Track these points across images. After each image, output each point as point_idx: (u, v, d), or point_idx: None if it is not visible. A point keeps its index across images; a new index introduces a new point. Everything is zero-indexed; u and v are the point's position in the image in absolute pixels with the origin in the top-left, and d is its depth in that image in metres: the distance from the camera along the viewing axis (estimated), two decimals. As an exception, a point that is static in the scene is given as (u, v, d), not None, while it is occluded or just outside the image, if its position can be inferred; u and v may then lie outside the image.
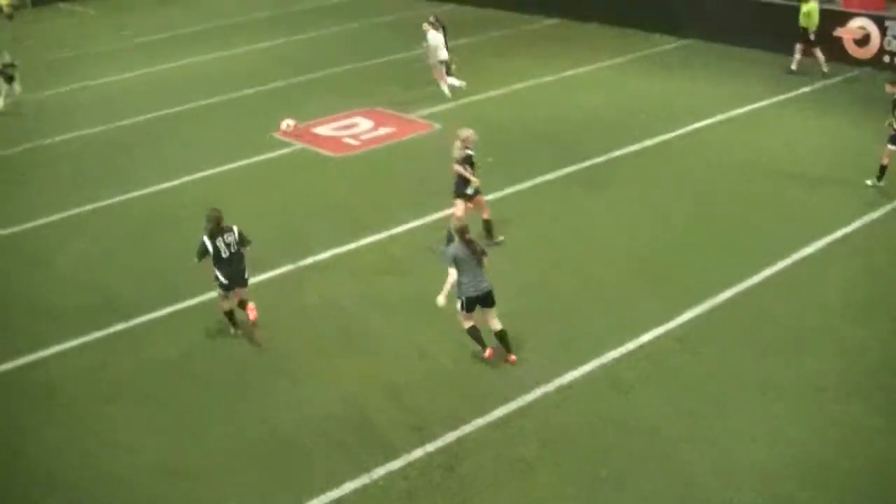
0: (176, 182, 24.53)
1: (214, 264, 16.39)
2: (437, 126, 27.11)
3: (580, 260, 18.57)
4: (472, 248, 14.98)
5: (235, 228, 16.66)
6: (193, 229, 20.56)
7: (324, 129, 27.63)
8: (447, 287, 14.94)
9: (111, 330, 17.37)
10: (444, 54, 29.35)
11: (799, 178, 21.75)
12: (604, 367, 14.87)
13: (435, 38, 29.10)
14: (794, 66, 29.69)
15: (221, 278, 16.41)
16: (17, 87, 32.28)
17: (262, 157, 25.76)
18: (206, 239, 16.39)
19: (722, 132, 25.30)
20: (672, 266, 18.00)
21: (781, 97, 27.53)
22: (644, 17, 35.17)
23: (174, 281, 18.73)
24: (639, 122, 26.16)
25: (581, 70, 31.72)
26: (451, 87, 29.50)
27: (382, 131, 27.24)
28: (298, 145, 26.47)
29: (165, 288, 18.59)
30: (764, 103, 27.23)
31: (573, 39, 36.11)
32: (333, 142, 26.62)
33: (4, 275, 20.22)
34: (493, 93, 29.84)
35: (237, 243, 16.52)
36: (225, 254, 16.35)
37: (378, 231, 20.32)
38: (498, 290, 15.12)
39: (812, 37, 29.41)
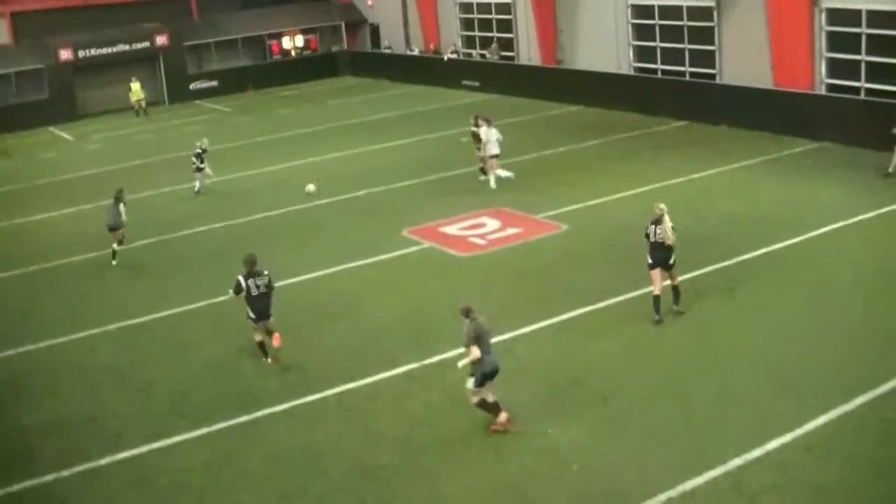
0: (311, 275, 25.08)
1: (246, 300, 19.82)
2: (564, 227, 27.24)
3: (706, 361, 18.41)
4: (485, 326, 16.35)
5: (266, 273, 20.07)
6: (328, 326, 21.08)
7: (451, 229, 27.96)
8: (466, 361, 16.10)
9: (235, 421, 17.65)
10: (494, 149, 31.42)
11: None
12: (728, 474, 14.66)
13: (488, 133, 31.32)
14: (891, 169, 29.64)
15: (250, 312, 19.87)
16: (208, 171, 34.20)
17: (392, 254, 26.15)
18: (241, 278, 19.89)
19: (853, 236, 24.96)
20: (802, 371, 17.74)
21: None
22: (776, 119, 35.07)
23: (308, 373, 19.05)
24: (768, 223, 26.02)
25: (709, 172, 31.67)
26: (499, 178, 31.33)
27: (510, 231, 27.46)
28: (427, 244, 26.81)
29: (296, 381, 18.88)
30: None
31: (701, 142, 36.17)
32: (461, 241, 26.90)
33: (146, 360, 20.74)
34: (620, 195, 29.90)
35: (266, 286, 19.91)
36: (255, 292, 19.79)
37: (504, 331, 20.36)
38: (623, 387, 15.06)
39: None
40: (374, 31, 65.50)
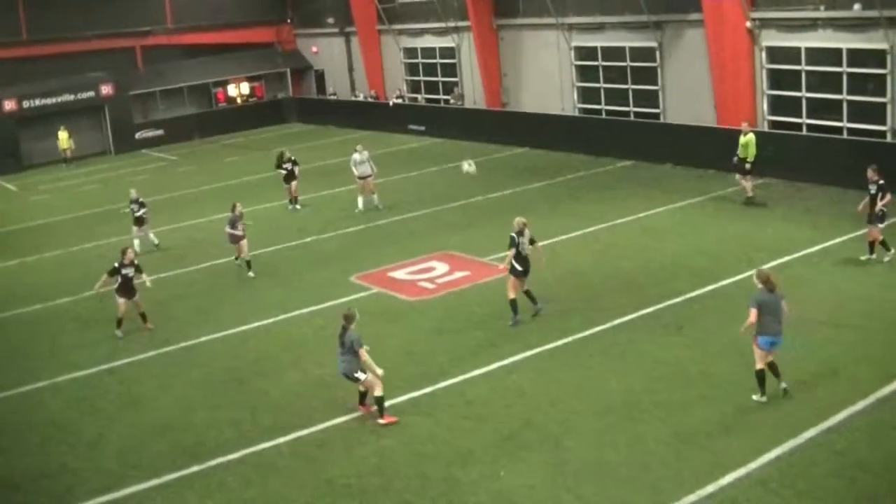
0: (260, 323, 25.00)
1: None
2: (513, 269, 27.28)
3: (657, 400, 18.45)
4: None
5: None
6: (278, 375, 21.00)
7: (400, 274, 27.96)
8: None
9: (187, 471, 17.51)
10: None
11: (877, 318, 21.59)
12: (683, 511, 14.70)
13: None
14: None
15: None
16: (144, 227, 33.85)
17: (341, 300, 25.91)
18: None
19: (799, 271, 25.19)
20: (752, 406, 17.81)
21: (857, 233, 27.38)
22: (720, 157, 35.42)
23: (260, 421, 18.98)
24: (715, 259, 26.21)
25: (656, 211, 31.94)
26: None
27: (458, 275, 27.49)
28: (375, 289, 26.78)
29: (248, 430, 18.80)
30: (838, 240, 27.22)
31: (647, 181, 36.49)
32: (410, 286, 26.88)
33: (96, 414, 20.49)
34: (567, 235, 30.03)
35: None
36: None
37: (455, 374, 20.36)
38: (575, 428, 15.03)
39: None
40: (320, 77, 65.69)
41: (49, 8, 57.08)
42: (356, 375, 18.56)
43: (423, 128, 52.17)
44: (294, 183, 37.68)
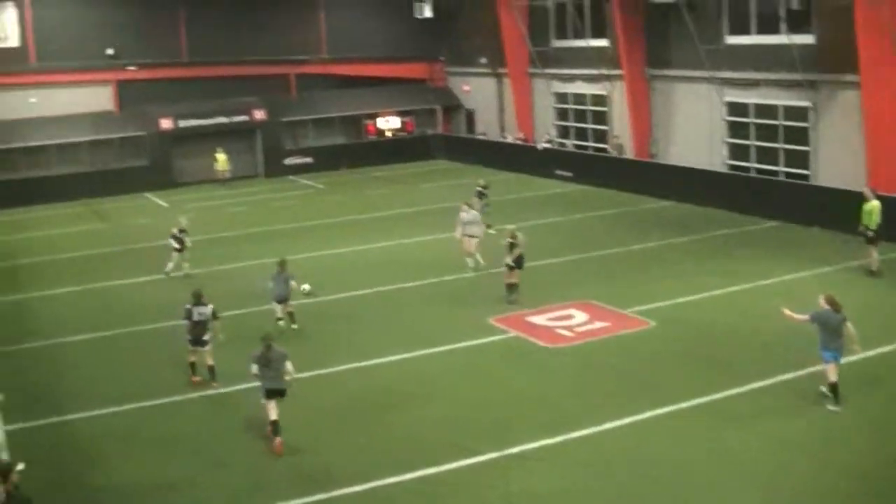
0: (392, 358, 25.11)
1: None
2: (652, 323, 27.06)
3: (794, 481, 18.07)
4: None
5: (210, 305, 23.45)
6: (405, 410, 21.14)
7: (538, 319, 27.87)
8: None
9: (311, 498, 17.68)
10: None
11: None
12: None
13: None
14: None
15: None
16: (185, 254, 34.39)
17: (476, 341, 26.11)
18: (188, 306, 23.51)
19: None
20: None
21: None
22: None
23: (386, 455, 19.11)
24: (860, 328, 25.62)
25: (800, 275, 31.23)
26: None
27: (597, 325, 27.29)
28: (512, 333, 26.75)
29: (375, 462, 18.91)
30: None
31: (793, 243, 35.80)
32: (547, 332, 26.78)
33: (225, 433, 20.87)
34: (709, 293, 29.65)
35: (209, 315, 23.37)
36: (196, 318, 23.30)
37: (587, 426, 20.23)
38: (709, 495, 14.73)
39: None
40: (470, 116, 66.04)
41: (209, 32, 58.70)
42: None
43: (570, 174, 52.08)
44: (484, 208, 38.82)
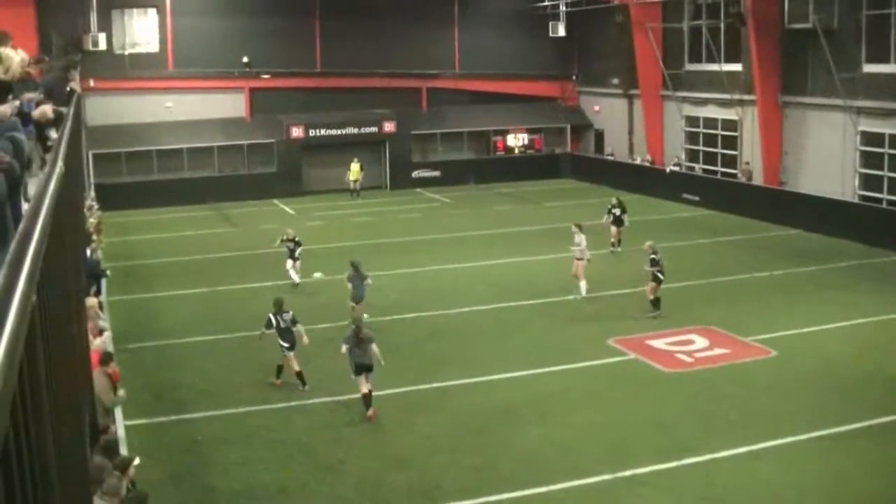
0: (509, 375, 25.15)
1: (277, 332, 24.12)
2: (773, 352, 26.68)
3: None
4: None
5: (290, 312, 24.37)
6: (521, 427, 21.15)
7: (658, 343, 27.67)
8: None
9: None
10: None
11: None
12: None
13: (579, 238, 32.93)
14: None
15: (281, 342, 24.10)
16: (297, 264, 34.69)
17: (595, 362, 26.07)
18: (270, 315, 24.21)
19: None
20: None
21: None
22: None
23: (497, 473, 19.09)
24: None
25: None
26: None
27: (717, 351, 27.02)
28: (632, 355, 26.61)
29: (485, 479, 18.91)
30: None
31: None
32: (667, 356, 26.59)
33: (339, 440, 21.07)
34: (834, 325, 29.14)
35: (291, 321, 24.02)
36: (283, 325, 24.05)
37: (703, 453, 20.02)
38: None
39: None
40: (599, 136, 65.79)
41: (343, 43, 59.27)
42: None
43: (697, 198, 51.63)
44: (618, 228, 40.21)
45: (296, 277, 34.49)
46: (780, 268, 36.78)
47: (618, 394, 23.87)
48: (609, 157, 62.97)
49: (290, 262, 34.56)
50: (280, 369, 24.37)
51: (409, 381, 24.39)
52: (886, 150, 43.10)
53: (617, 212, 40.48)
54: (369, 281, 29.19)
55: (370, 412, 21.97)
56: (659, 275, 29.87)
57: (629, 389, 24.09)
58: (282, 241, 34.97)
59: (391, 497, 18.31)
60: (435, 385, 24.30)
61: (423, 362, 26.08)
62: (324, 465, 19.80)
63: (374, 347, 22.40)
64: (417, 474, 19.32)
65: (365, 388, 22.13)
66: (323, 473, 19.44)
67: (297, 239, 34.72)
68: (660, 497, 18.19)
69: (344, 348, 22.45)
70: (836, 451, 20.29)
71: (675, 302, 31.47)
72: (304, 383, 24.00)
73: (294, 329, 24.02)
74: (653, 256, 29.76)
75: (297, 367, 24.05)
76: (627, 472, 19.04)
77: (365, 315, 27.61)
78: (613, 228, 40.53)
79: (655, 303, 29.92)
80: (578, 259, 32.75)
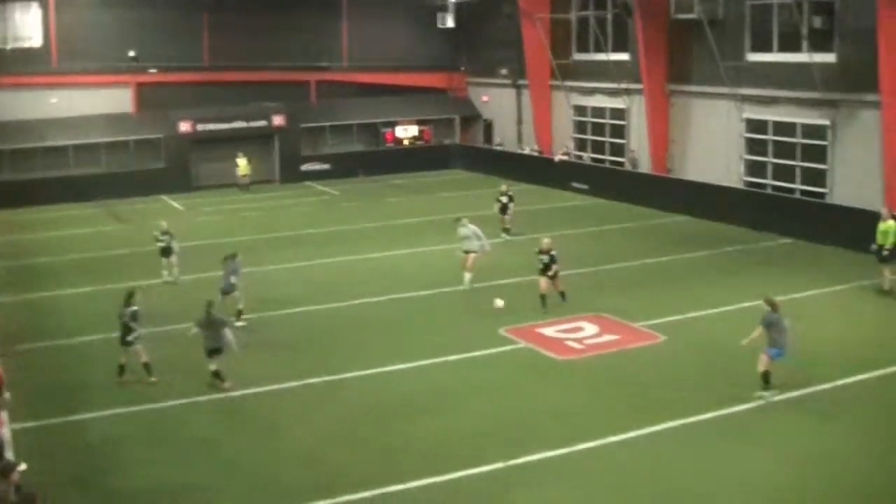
0: (403, 366, 25.15)
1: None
2: (663, 337, 27.08)
3: (801, 495, 18.06)
4: None
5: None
6: (417, 419, 21.16)
7: (549, 331, 27.90)
8: None
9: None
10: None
11: None
12: None
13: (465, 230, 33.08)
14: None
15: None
16: (173, 259, 34.45)
17: (487, 352, 26.19)
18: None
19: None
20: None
21: None
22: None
23: (394, 464, 19.15)
24: (869, 348, 25.62)
25: (813, 293, 31.24)
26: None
27: (607, 338, 27.32)
28: (523, 344, 26.79)
29: (383, 470, 18.95)
30: None
31: (807, 261, 35.87)
32: (558, 344, 26.81)
33: (236, 437, 20.96)
34: (721, 309, 29.66)
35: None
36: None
37: (597, 437, 20.24)
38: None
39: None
40: (488, 126, 66.04)
41: (231, 37, 58.85)
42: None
43: (585, 186, 52.09)
44: (507, 215, 41.04)
45: (171, 275, 34.15)
46: (669, 254, 37.32)
47: (511, 382, 24.04)
48: (498, 148, 63.27)
49: (164, 260, 34.20)
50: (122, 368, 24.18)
51: (305, 375, 24.30)
52: (770, 136, 43.89)
53: (504, 199, 41.19)
54: (233, 279, 29.08)
55: (227, 384, 23.39)
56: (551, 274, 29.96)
57: (522, 378, 24.28)
58: (157, 237, 34.52)
59: (291, 492, 18.24)
60: (331, 378, 24.22)
61: (318, 356, 26.00)
62: (223, 462, 19.65)
63: (228, 332, 23.59)
64: (317, 468, 19.27)
65: (213, 367, 23.47)
66: (222, 470, 19.29)
67: (170, 233, 34.35)
68: (557, 483, 18.35)
69: (194, 330, 23.80)
70: (725, 431, 20.68)
71: (565, 290, 31.73)
72: (150, 374, 23.99)
73: (134, 325, 24.06)
74: (553, 253, 29.83)
75: (144, 359, 24.04)
76: (523, 460, 19.17)
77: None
78: (502, 216, 41.13)
79: (563, 294, 30.16)
80: (466, 252, 32.80)
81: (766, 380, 21.98)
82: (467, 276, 32.42)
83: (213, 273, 31.24)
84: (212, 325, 23.48)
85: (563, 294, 30.05)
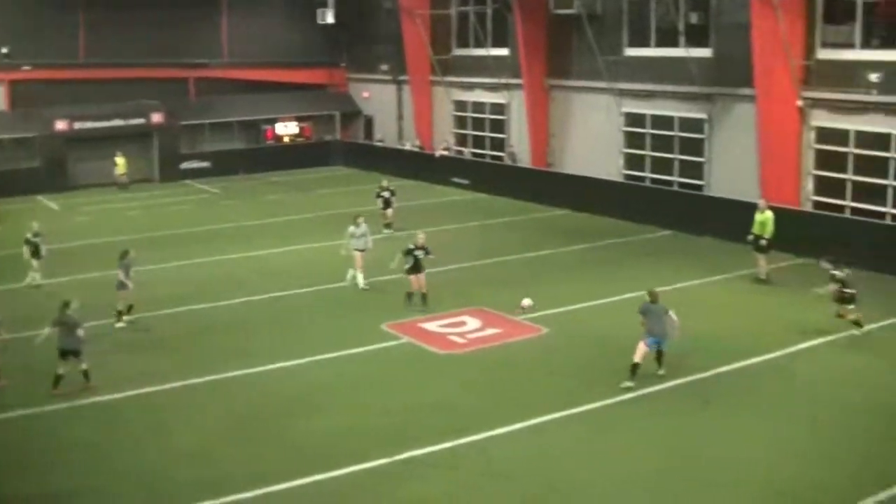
0: (285, 364, 24.95)
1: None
2: (545, 330, 27.27)
3: (681, 477, 18.32)
4: None
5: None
6: (300, 416, 21.01)
7: (431, 326, 27.94)
8: None
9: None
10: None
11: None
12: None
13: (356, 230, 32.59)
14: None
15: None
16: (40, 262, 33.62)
17: (369, 347, 26.14)
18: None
19: (832, 353, 25.11)
20: (777, 483, 17.67)
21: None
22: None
23: (278, 462, 19.00)
24: (746, 337, 26.08)
25: (692, 283, 31.73)
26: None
27: (490, 331, 27.41)
28: (405, 339, 26.77)
29: (267, 470, 18.78)
30: (875, 325, 26.95)
31: (686, 252, 36.44)
32: (440, 338, 26.85)
33: (121, 439, 20.61)
34: (602, 300, 29.99)
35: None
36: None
37: (480, 431, 20.29)
38: (597, 499, 14.87)
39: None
40: (369, 122, 66.00)
41: (108, 33, 58.03)
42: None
43: (466, 181, 52.23)
44: (390, 210, 41.42)
45: (37, 277, 33.38)
46: (550, 247, 37.60)
47: (394, 378, 24.01)
48: (379, 144, 63.24)
49: (34, 262, 33.41)
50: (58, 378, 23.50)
51: (188, 375, 23.99)
52: (648, 130, 44.48)
53: (386, 195, 41.37)
54: (121, 277, 28.49)
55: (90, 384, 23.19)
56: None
57: (405, 373, 24.27)
58: (27, 239, 33.65)
59: (177, 493, 17.99)
60: (214, 378, 23.94)
61: (200, 355, 25.70)
62: (109, 465, 19.30)
63: (80, 332, 23.09)
64: (201, 468, 19.03)
65: (62, 370, 22.91)
66: (109, 473, 18.95)
67: (42, 234, 33.70)
68: (440, 477, 18.36)
69: (47, 331, 23.33)
70: (607, 421, 20.90)
71: (447, 285, 31.79)
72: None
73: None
74: (427, 248, 29.82)
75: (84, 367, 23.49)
76: (407, 455, 19.15)
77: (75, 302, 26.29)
78: (384, 211, 41.18)
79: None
80: (357, 250, 32.51)
81: (634, 371, 22.56)
82: (360, 275, 32.20)
83: (89, 275, 30.75)
84: (65, 326, 23.07)
85: (424, 297, 29.80)
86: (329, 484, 18.19)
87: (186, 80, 62.39)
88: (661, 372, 23.19)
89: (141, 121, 58.34)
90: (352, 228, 32.63)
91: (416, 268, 29.58)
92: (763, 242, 32.13)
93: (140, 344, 26.69)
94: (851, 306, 26.00)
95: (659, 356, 23.26)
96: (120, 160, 55.52)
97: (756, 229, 32.30)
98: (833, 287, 26.23)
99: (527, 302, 28.61)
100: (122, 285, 28.51)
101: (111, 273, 29.47)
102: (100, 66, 58.40)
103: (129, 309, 28.57)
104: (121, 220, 46.12)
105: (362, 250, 32.30)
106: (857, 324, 26.07)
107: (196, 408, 22.14)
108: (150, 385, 23.40)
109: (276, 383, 23.67)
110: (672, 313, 22.97)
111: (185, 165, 59.67)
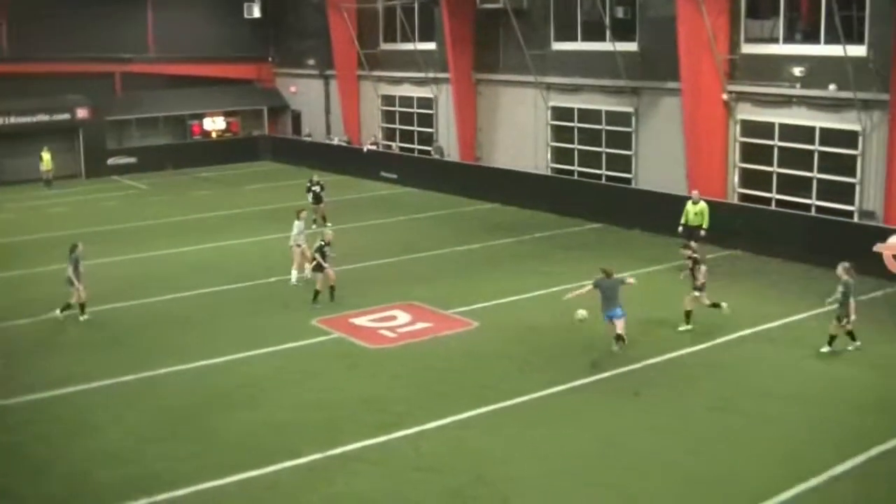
0: (216, 360, 24.86)
1: None
2: (475, 323, 27.39)
3: (609, 465, 18.49)
4: None
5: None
6: (232, 413, 20.95)
7: (361, 320, 27.94)
8: None
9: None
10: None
11: (842, 402, 21.72)
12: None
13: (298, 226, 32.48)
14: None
15: None
16: None
17: (300, 343, 26.10)
18: None
19: (759, 345, 25.39)
20: (702, 475, 17.89)
21: (819, 311, 27.45)
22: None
23: (211, 459, 18.93)
24: (675, 328, 26.36)
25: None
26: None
27: (420, 326, 27.50)
28: (336, 334, 26.76)
29: (199, 466, 18.70)
30: (801, 316, 27.40)
31: (614, 245, 36.68)
32: (370, 333, 26.88)
33: (44, 440, 20.35)
34: (531, 294, 30.17)
35: None
36: None
37: (409, 426, 20.36)
38: (526, 489, 14.97)
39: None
40: (296, 117, 65.78)
41: (32, 27, 57.26)
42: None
43: (395, 176, 52.25)
44: (322, 205, 41.19)
45: None
46: (479, 241, 37.74)
47: (326, 373, 23.99)
48: (307, 139, 63.05)
49: None
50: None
51: (117, 373, 23.77)
52: (575, 123, 44.78)
53: (317, 189, 41.30)
54: (69, 272, 28.23)
55: None
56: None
57: (337, 368, 24.25)
58: None
59: (104, 493, 17.84)
60: (144, 375, 23.75)
61: (130, 353, 25.50)
62: (31, 466, 19.11)
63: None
64: (131, 467, 18.87)
65: None
66: (32, 474, 18.75)
67: None
68: (372, 471, 18.39)
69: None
70: (538, 414, 21.06)
71: (376, 279, 31.87)
72: None
73: None
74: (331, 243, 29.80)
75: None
76: (339, 450, 19.17)
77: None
78: (315, 206, 41.01)
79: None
80: (299, 245, 32.34)
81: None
82: (295, 271, 32.06)
83: (11, 273, 30.36)
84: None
85: (332, 289, 29.78)
86: (261, 480, 18.16)
87: (112, 75, 61.66)
88: (615, 348, 24.17)
89: (66, 116, 57.69)
90: (297, 223, 32.48)
91: (321, 266, 29.50)
92: (703, 233, 32.80)
93: (68, 342, 26.46)
94: (701, 280, 26.53)
95: (618, 338, 24.18)
96: (46, 155, 54.83)
97: (692, 221, 32.79)
98: (685, 253, 27.21)
99: (582, 313, 27.60)
100: (70, 281, 28.20)
101: (36, 271, 29.23)
102: (24, 60, 57.56)
103: (67, 307, 28.25)
104: (46, 218, 45.61)
105: (300, 245, 32.18)
106: (716, 305, 26.64)
107: (125, 406, 21.94)
108: (77, 384, 23.16)
109: (207, 380, 23.55)
110: (629, 278, 25.32)
111: (111, 161, 59.12)
